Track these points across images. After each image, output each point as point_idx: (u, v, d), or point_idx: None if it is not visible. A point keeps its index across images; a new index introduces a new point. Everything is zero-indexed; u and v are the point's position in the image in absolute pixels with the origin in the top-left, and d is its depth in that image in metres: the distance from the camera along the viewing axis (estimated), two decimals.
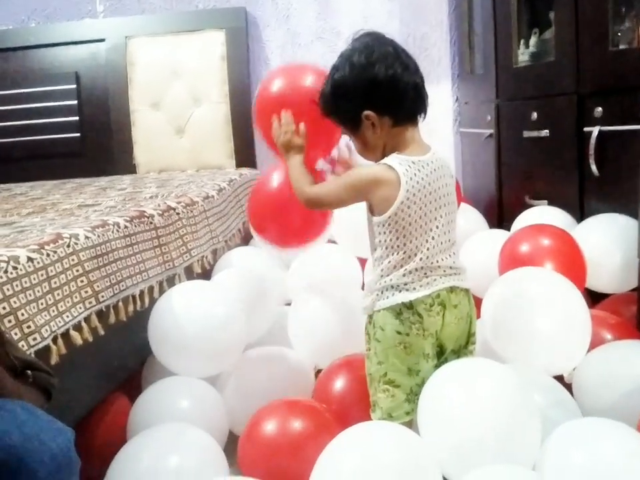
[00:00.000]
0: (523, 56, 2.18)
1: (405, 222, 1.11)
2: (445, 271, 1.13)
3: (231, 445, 1.31)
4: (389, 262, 1.13)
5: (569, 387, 1.28)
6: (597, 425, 0.99)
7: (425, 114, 1.17)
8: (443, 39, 2.83)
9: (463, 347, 1.18)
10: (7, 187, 2.59)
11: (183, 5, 2.91)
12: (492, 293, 1.39)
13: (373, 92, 1.11)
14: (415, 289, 1.11)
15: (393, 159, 1.11)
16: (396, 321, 1.12)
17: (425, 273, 1.12)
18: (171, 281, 1.57)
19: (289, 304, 1.82)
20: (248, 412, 1.27)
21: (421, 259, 1.11)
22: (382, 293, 1.14)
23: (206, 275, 1.83)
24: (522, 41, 2.17)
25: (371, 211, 1.15)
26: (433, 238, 1.13)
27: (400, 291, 1.12)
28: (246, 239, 2.26)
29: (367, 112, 1.12)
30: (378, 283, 1.14)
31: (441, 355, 1.17)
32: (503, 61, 2.24)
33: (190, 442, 1.15)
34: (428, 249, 1.12)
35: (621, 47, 1.76)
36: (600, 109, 1.75)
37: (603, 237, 1.61)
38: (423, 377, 1.13)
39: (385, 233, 1.12)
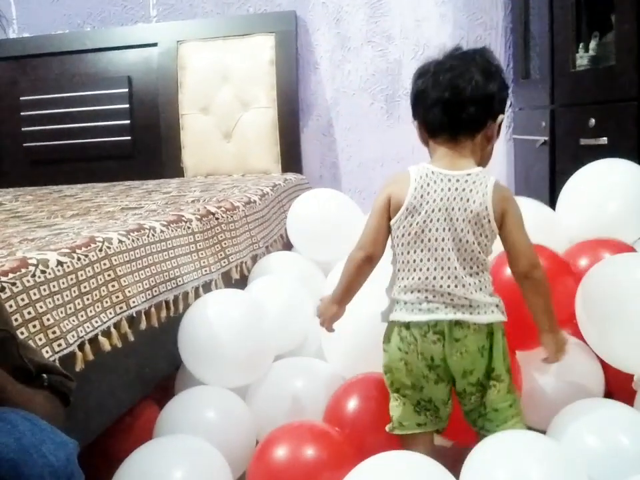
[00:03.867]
0: (581, 60, 2.08)
1: (406, 230, 1.09)
2: (452, 300, 1.07)
3: None
4: (393, 271, 1.14)
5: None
6: None
7: (473, 135, 1.11)
8: (497, 43, 2.73)
9: (485, 379, 1.11)
10: (58, 189, 2.65)
11: (234, 9, 2.91)
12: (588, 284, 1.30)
13: (412, 103, 1.16)
14: (412, 310, 1.09)
15: (415, 165, 1.12)
16: (398, 337, 1.11)
17: (426, 297, 1.08)
18: (208, 287, 1.56)
19: None
20: (276, 424, 1.24)
21: (419, 278, 1.08)
22: (390, 304, 1.14)
23: (245, 281, 1.81)
24: (581, 45, 2.07)
25: None
26: (441, 259, 1.07)
27: (401, 309, 1.10)
28: (288, 245, 2.23)
29: (414, 120, 1.16)
30: (388, 293, 1.15)
31: (453, 383, 1.13)
32: (560, 65, 2.14)
33: (195, 456, 1.12)
34: (431, 269, 1.08)
35: None
36: None
37: None
38: (430, 395, 1.12)
39: (393, 237, 1.12)
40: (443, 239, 1.08)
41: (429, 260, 1.08)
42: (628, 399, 1.21)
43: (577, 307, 1.31)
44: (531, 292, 1.11)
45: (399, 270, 1.12)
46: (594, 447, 1.05)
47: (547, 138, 2.20)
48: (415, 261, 1.09)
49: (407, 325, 1.09)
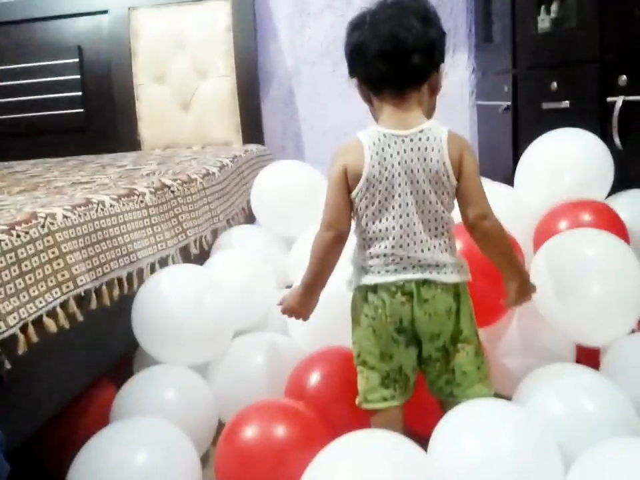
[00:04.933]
0: (542, 23, 2.04)
1: (370, 201, 1.05)
2: (419, 261, 1.05)
3: None
4: (358, 241, 1.10)
5: None
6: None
7: (419, 87, 1.06)
8: (459, 7, 2.68)
9: (450, 344, 1.08)
10: (9, 165, 2.53)
11: None
12: (542, 255, 1.29)
13: (350, 59, 1.09)
14: (379, 272, 1.06)
15: (363, 131, 1.06)
16: (364, 302, 1.08)
17: (393, 259, 1.05)
18: (164, 263, 1.50)
19: (289, 286, 1.74)
20: (238, 401, 1.20)
21: (386, 247, 1.05)
22: (355, 272, 1.11)
23: (205, 256, 1.76)
24: (542, 7, 2.04)
25: None
26: (407, 225, 1.04)
27: (366, 273, 1.07)
28: (251, 218, 2.18)
29: (352, 78, 1.10)
30: (352, 262, 1.12)
31: (420, 347, 1.09)
32: (522, 28, 2.10)
33: (158, 439, 1.08)
34: (396, 237, 1.04)
35: None
36: (624, 77, 1.63)
37: (627, 214, 1.49)
38: (399, 362, 1.09)
39: (357, 209, 1.07)
40: (407, 204, 1.04)
41: (394, 228, 1.04)
42: (596, 366, 1.21)
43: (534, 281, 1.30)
44: (482, 242, 1.08)
45: (364, 239, 1.08)
46: (560, 412, 1.03)
47: (509, 103, 2.18)
48: (381, 230, 1.05)
49: (375, 288, 1.06)
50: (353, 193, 1.05)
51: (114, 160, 2.40)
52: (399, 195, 1.04)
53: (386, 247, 1.05)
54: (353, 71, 1.09)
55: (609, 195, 1.62)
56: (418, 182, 1.04)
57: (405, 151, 1.04)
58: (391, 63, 1.02)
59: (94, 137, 2.81)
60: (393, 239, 1.04)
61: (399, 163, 1.03)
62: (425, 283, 1.05)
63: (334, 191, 1.07)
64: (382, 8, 1.05)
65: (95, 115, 2.80)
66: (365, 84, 1.08)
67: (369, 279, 1.07)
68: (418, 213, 1.04)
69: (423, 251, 1.05)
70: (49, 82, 2.77)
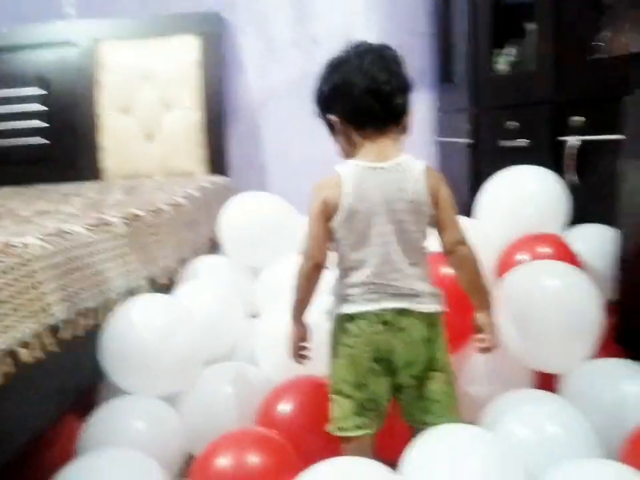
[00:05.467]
0: (500, 65, 2.15)
1: (350, 231, 1.09)
2: (397, 290, 1.09)
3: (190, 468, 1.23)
4: (339, 271, 1.14)
5: None
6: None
7: (398, 124, 1.13)
8: (422, 48, 2.79)
9: (424, 372, 1.12)
10: None
11: (156, 8, 2.83)
12: (503, 286, 1.35)
13: (331, 97, 1.14)
14: (358, 302, 1.09)
15: (341, 165, 1.11)
16: (342, 333, 1.11)
17: (372, 289, 1.09)
18: (134, 293, 1.49)
19: (257, 316, 1.75)
20: (208, 432, 1.20)
21: (367, 276, 1.09)
22: (334, 302, 1.14)
23: (172, 285, 1.76)
24: (499, 50, 2.14)
25: None
26: (387, 254, 1.08)
27: (346, 303, 1.10)
28: (217, 249, 2.19)
29: (331, 116, 1.14)
30: (332, 292, 1.15)
31: (394, 376, 1.12)
32: (481, 69, 2.21)
33: (131, 469, 1.07)
34: (376, 266, 1.08)
35: (601, 55, 1.74)
36: (579, 118, 1.72)
37: (583, 247, 1.57)
38: (374, 391, 1.11)
39: (337, 240, 1.11)
40: (387, 233, 1.08)
41: (374, 257, 1.08)
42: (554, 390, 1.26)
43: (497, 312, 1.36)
44: (456, 267, 1.14)
45: (344, 269, 1.12)
46: (525, 436, 1.07)
47: (469, 140, 2.27)
48: (361, 260, 1.09)
49: (354, 317, 1.09)
50: (334, 224, 1.09)
51: (76, 189, 2.38)
52: (379, 225, 1.08)
53: (367, 276, 1.08)
54: (331, 108, 1.14)
55: (566, 228, 1.70)
56: (397, 212, 1.08)
57: (384, 181, 1.08)
58: (378, 99, 1.09)
59: (56, 167, 2.77)
60: (373, 267, 1.08)
61: (379, 194, 1.08)
62: (402, 312, 1.08)
63: (314, 222, 1.11)
64: (362, 52, 1.12)
65: (58, 145, 2.78)
66: (346, 120, 1.13)
67: (348, 308, 1.10)
68: (397, 242, 1.08)
69: (401, 279, 1.08)
70: (13, 111, 2.75)
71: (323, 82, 1.14)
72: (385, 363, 1.10)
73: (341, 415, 1.11)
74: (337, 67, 1.13)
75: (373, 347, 1.09)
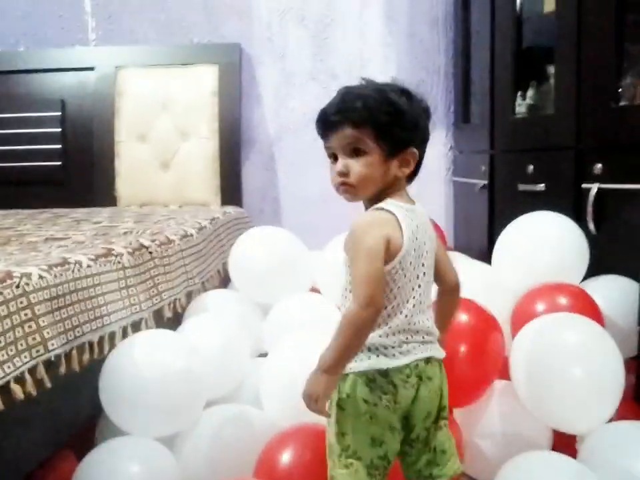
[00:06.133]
0: (520, 107, 2.13)
1: (401, 273, 1.00)
2: (423, 337, 1.03)
3: None
4: None
5: None
6: None
7: None
8: (439, 86, 2.78)
9: (433, 423, 1.05)
10: None
11: (177, 38, 2.85)
12: (522, 338, 1.31)
13: (420, 132, 1.05)
14: (394, 355, 1.00)
15: (390, 205, 1.01)
16: (366, 388, 1.00)
17: (406, 338, 1.01)
18: (137, 327, 1.45)
19: (264, 355, 1.70)
20: (206, 478, 1.15)
21: (405, 316, 1.01)
22: (359, 355, 1.01)
23: (178, 319, 1.72)
24: (519, 92, 2.12)
25: None
26: (419, 295, 1.03)
27: (378, 356, 1.00)
28: (226, 281, 2.15)
29: (413, 149, 1.03)
30: None
31: (408, 430, 1.04)
32: (500, 111, 2.18)
33: None
34: (410, 307, 1.01)
35: (623, 103, 1.70)
36: (599, 165, 1.68)
37: (601, 299, 1.52)
38: (387, 449, 1.02)
39: (387, 284, 1.00)
40: (418, 276, 1.02)
41: (408, 301, 1.01)
42: (573, 452, 1.20)
43: (511, 366, 1.31)
44: (456, 303, 1.15)
45: (388, 315, 1.01)
46: None
47: (486, 182, 2.23)
48: (403, 302, 1.01)
49: (384, 373, 1.00)
50: (390, 267, 0.99)
51: (89, 215, 2.37)
52: (413, 267, 1.02)
53: (405, 317, 1.01)
54: (415, 142, 1.04)
55: (584, 279, 1.65)
56: (425, 254, 1.04)
57: (420, 224, 1.03)
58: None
59: (70, 191, 2.78)
60: (412, 307, 1.01)
61: (420, 237, 1.02)
62: (428, 360, 1.03)
63: (375, 262, 0.97)
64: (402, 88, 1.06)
65: (73, 168, 2.79)
66: (419, 151, 1.05)
67: (381, 362, 1.00)
68: (422, 284, 1.03)
69: (427, 319, 1.04)
70: (29, 133, 2.76)
71: (415, 112, 1.03)
72: (405, 418, 1.03)
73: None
74: (409, 96, 1.04)
75: (403, 403, 1.01)
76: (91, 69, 2.78)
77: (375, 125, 1.00)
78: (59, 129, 2.77)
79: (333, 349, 0.97)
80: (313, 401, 0.98)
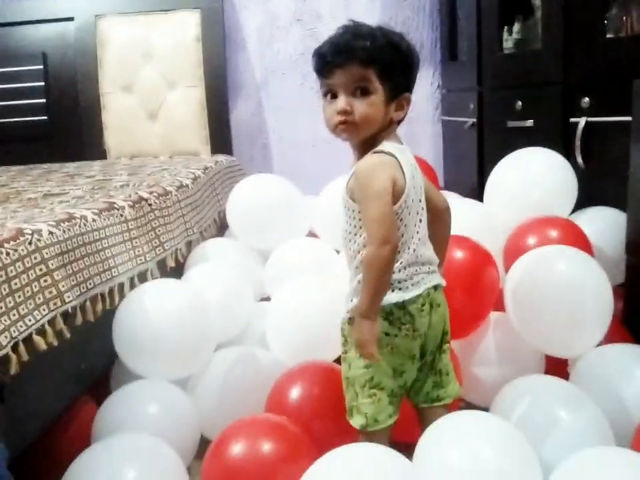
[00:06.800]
0: (507, 42, 2.12)
1: (406, 211, 1.04)
2: (429, 268, 1.09)
3: (204, 451, 1.25)
4: None
5: None
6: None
7: None
8: (425, 24, 2.75)
9: (439, 346, 1.12)
10: None
11: None
12: (515, 271, 1.36)
13: (414, 77, 1.08)
14: (407, 287, 1.05)
15: (390, 148, 1.04)
16: (385, 322, 1.05)
17: (416, 270, 1.06)
18: (143, 277, 1.49)
19: (266, 299, 1.76)
20: (220, 416, 1.22)
21: (413, 250, 1.06)
22: None
23: (180, 268, 1.76)
24: (505, 27, 2.11)
25: None
26: (419, 230, 1.07)
27: (393, 291, 1.04)
28: (222, 229, 2.19)
29: (408, 94, 1.07)
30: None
31: (422, 357, 1.11)
32: (487, 47, 2.18)
33: (148, 455, 1.09)
34: (415, 240, 1.06)
35: (610, 35, 1.72)
36: (587, 99, 1.71)
37: (590, 230, 1.57)
38: (406, 378, 1.09)
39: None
40: (418, 212, 1.07)
41: (413, 237, 1.06)
42: (565, 377, 1.27)
43: (505, 298, 1.37)
44: (448, 224, 1.19)
45: (399, 251, 1.04)
46: (538, 423, 1.09)
47: (475, 120, 2.25)
48: (411, 237, 1.06)
49: (401, 305, 1.04)
50: (397, 207, 1.02)
51: (80, 169, 2.37)
52: (413, 201, 1.06)
53: (414, 251, 1.05)
54: (411, 85, 1.09)
55: (573, 211, 1.70)
56: (420, 188, 1.09)
57: (413, 162, 1.08)
58: None
59: (58, 145, 2.77)
60: (413, 243, 1.06)
61: (417, 175, 1.08)
62: (436, 288, 1.09)
63: (386, 202, 1.00)
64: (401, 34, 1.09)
65: (60, 123, 2.76)
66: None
67: (397, 296, 1.04)
68: (421, 215, 1.08)
69: (429, 249, 1.09)
70: (12, 88, 2.72)
71: (412, 55, 1.06)
72: (422, 345, 1.09)
73: (378, 409, 1.07)
74: (407, 41, 1.06)
75: (421, 331, 1.07)
76: (71, 19, 2.72)
77: (382, 66, 1.01)
78: (42, 83, 2.73)
79: (364, 294, 1.01)
80: (364, 348, 1.02)
